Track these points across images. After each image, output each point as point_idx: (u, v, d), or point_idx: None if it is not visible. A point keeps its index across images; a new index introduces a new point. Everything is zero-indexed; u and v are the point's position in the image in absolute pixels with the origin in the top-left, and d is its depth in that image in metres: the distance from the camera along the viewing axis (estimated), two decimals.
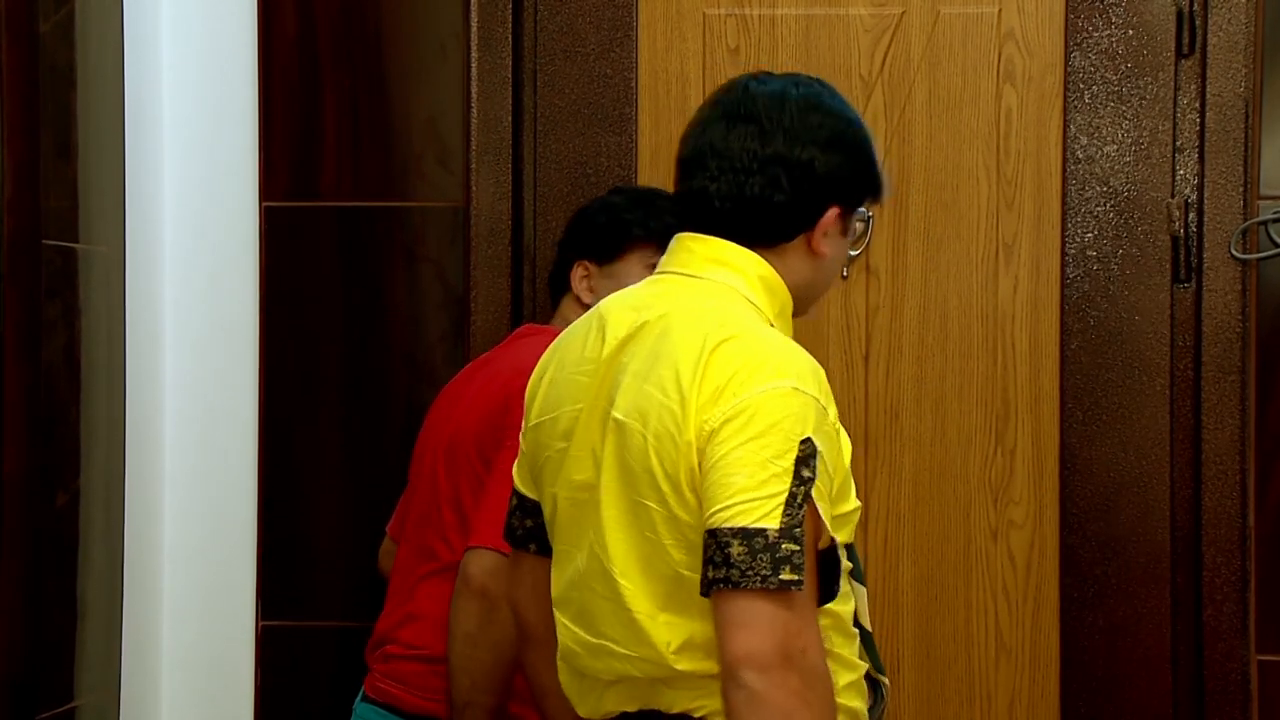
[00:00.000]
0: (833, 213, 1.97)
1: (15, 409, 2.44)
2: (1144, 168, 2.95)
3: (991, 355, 3.01)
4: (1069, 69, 2.96)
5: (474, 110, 2.98)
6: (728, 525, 1.75)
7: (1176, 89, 2.94)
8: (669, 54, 3.05)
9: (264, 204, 2.99)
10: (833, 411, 1.85)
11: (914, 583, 3.01)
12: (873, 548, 3.01)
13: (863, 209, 2.04)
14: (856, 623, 1.94)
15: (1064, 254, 2.98)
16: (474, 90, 2.98)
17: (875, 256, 3.03)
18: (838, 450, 1.85)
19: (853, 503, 1.87)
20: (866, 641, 1.97)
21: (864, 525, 3.01)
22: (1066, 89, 2.96)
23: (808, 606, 1.78)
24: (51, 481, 2.60)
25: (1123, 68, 2.95)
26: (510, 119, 3.00)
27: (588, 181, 3.02)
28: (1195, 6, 2.92)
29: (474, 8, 2.98)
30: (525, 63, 3.04)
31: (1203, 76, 2.91)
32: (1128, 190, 2.96)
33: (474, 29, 2.98)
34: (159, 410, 2.93)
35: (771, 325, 1.92)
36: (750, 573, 1.73)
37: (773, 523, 1.74)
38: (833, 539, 1.83)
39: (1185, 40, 2.93)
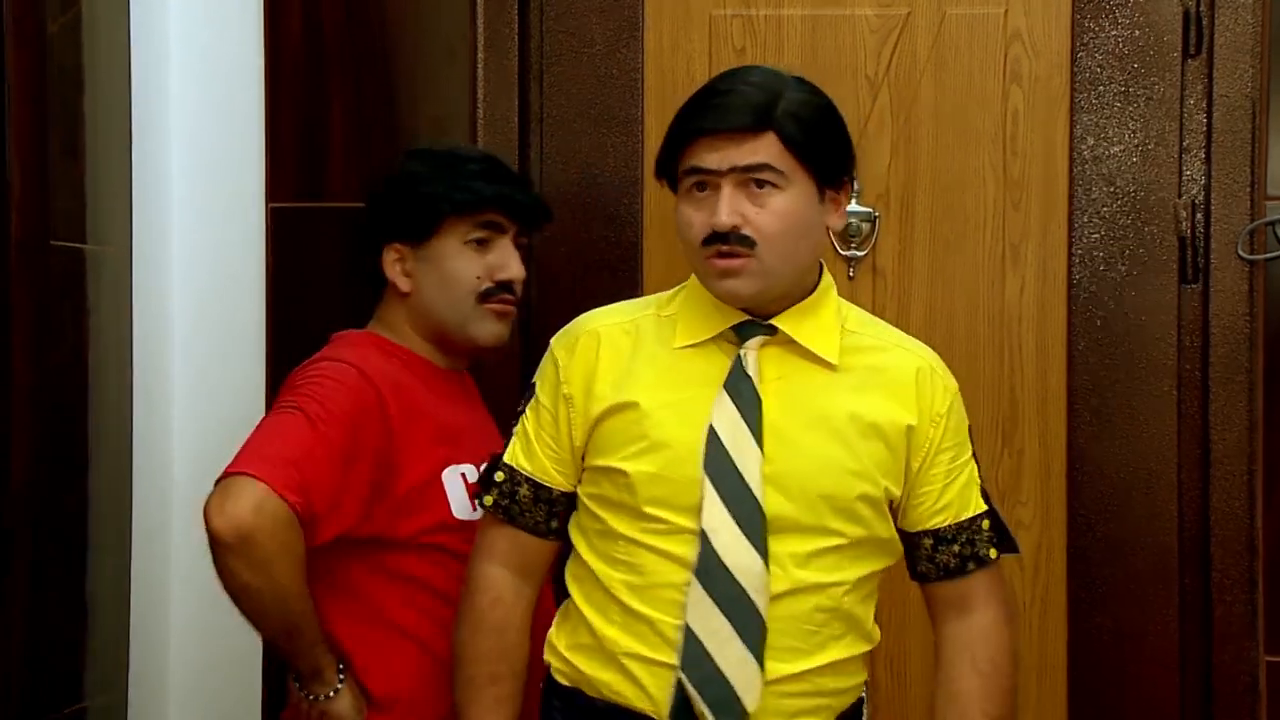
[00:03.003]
0: None
1: (24, 410, 2.44)
2: (1151, 168, 2.95)
3: (999, 356, 3.01)
4: (1076, 69, 2.96)
5: (481, 111, 2.98)
6: None
7: (1183, 89, 2.94)
8: (675, 54, 3.05)
9: (270, 205, 2.99)
10: (570, 375, 2.19)
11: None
12: None
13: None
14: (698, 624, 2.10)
15: (1071, 255, 2.98)
16: (480, 91, 2.98)
17: (882, 257, 3.03)
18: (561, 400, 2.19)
19: (617, 460, 2.14)
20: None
21: None
22: (1073, 89, 2.96)
23: (486, 523, 2.25)
24: (60, 483, 2.60)
25: (1130, 68, 2.95)
26: (517, 119, 3.00)
27: (594, 181, 3.02)
28: (1202, 7, 2.91)
29: (480, 8, 2.97)
30: (532, 63, 3.04)
31: (1210, 77, 2.91)
32: (1135, 191, 2.96)
33: (480, 29, 2.98)
34: (167, 411, 2.93)
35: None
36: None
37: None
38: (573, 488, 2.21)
39: (1192, 40, 2.93)
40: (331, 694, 2.32)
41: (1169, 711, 2.94)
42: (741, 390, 2.12)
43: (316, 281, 2.98)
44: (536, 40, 3.04)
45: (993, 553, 2.21)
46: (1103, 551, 2.96)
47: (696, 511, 2.09)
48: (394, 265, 2.50)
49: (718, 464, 2.09)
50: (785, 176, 2.10)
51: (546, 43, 3.04)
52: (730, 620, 2.08)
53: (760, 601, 2.09)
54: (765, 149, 2.08)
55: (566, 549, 2.28)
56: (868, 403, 2.14)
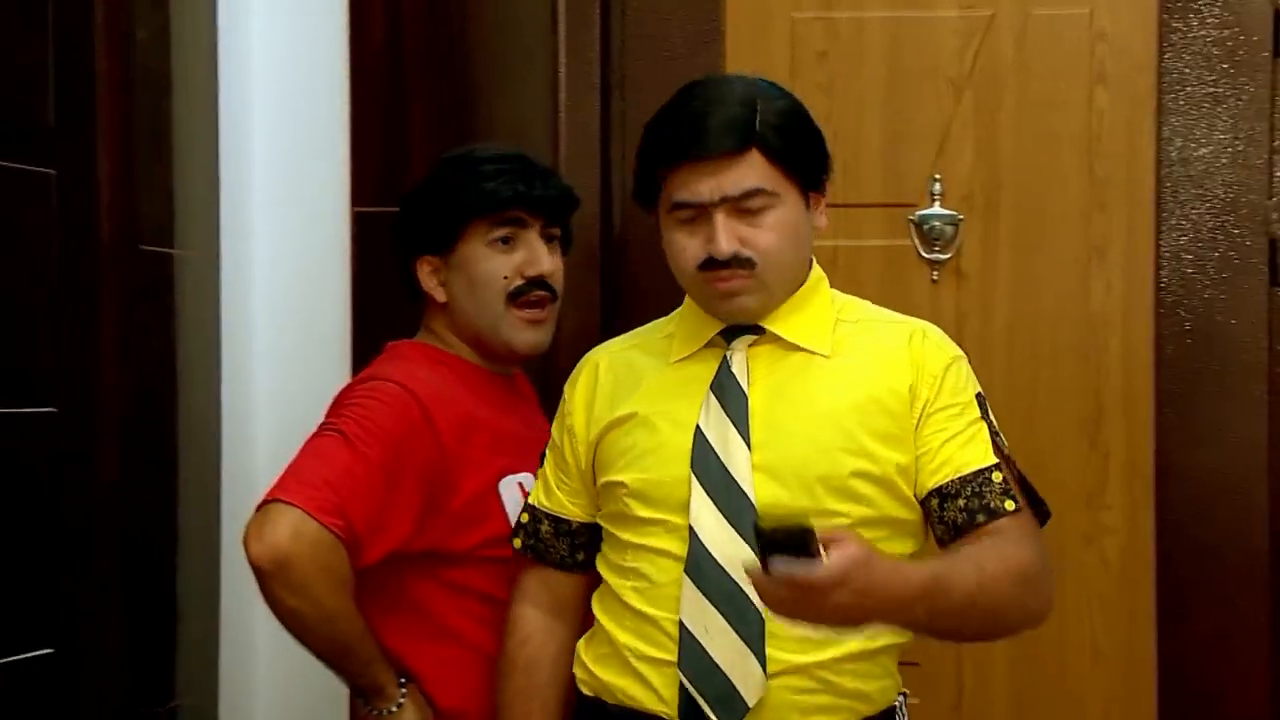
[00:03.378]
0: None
1: (112, 412, 2.47)
2: (1240, 170, 2.91)
3: (1084, 359, 2.98)
4: (1162, 69, 2.93)
5: (562, 116, 2.99)
6: None
7: (1274, 89, 2.90)
8: (756, 58, 3.04)
9: (354, 209, 3.02)
10: (573, 406, 2.24)
11: None
12: None
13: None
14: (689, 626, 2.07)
15: (1158, 257, 2.94)
16: (562, 96, 2.99)
17: (965, 260, 3.01)
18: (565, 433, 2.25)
19: (615, 473, 2.16)
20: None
21: None
22: (1160, 90, 2.93)
23: (517, 566, 2.30)
24: (148, 484, 2.63)
25: (1218, 68, 2.92)
26: (598, 124, 3.01)
27: None
28: None
29: (561, 14, 2.98)
30: (613, 68, 3.04)
31: None
32: (1223, 193, 2.92)
33: (562, 35, 2.99)
34: (252, 413, 2.96)
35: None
36: None
37: None
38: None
39: None
40: (394, 709, 2.33)
41: (1260, 716, 2.89)
42: (726, 387, 2.12)
43: (398, 284, 2.99)
44: (618, 45, 3.04)
45: (1008, 504, 2.07)
46: (1191, 556, 2.92)
47: (687, 509, 2.09)
48: (429, 277, 2.49)
49: (703, 461, 2.09)
50: (775, 194, 2.09)
51: (627, 47, 3.05)
52: (724, 614, 2.05)
53: (755, 592, 2.04)
54: (752, 170, 2.07)
55: (598, 582, 2.26)
56: (862, 378, 2.12)
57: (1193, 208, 2.93)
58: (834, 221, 2.98)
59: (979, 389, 2.16)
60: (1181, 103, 2.92)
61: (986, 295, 3.00)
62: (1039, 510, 2.16)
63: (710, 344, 2.17)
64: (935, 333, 2.19)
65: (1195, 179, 2.92)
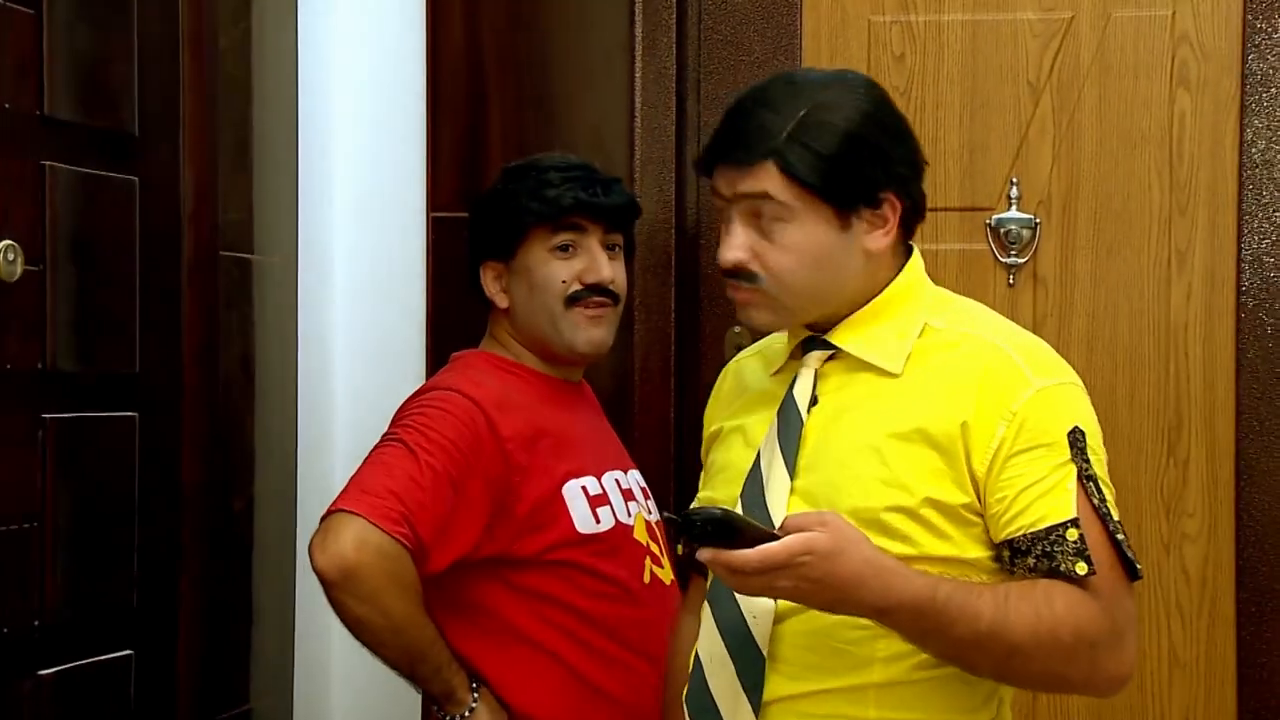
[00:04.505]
0: None
1: (195, 417, 2.49)
2: None
3: (1164, 364, 2.95)
4: (1246, 72, 2.90)
5: (638, 119, 2.99)
6: None
7: None
8: (833, 61, 3.03)
9: (432, 214, 3.03)
10: (708, 416, 2.16)
11: None
12: None
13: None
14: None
15: (1240, 261, 2.91)
16: (638, 100, 2.99)
17: (1043, 265, 2.98)
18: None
19: (702, 490, 2.10)
20: None
21: None
22: (1244, 92, 2.90)
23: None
24: (228, 488, 2.65)
25: None
26: (674, 128, 3.01)
27: None
28: None
29: (639, 18, 2.99)
30: (689, 72, 3.04)
31: None
32: None
33: (639, 39, 2.99)
34: (330, 418, 2.98)
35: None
36: None
37: None
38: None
39: None
40: (468, 713, 2.34)
41: None
42: (786, 409, 1.99)
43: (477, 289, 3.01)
44: (694, 48, 3.04)
45: (1079, 566, 1.86)
46: (1273, 564, 2.88)
47: None
48: (492, 282, 2.50)
49: (751, 486, 1.97)
50: (790, 208, 1.91)
51: (704, 52, 3.04)
52: (728, 645, 1.94)
53: (758, 627, 1.92)
54: (767, 180, 1.91)
55: None
56: (920, 406, 1.91)
57: (1275, 211, 2.89)
58: None
59: (1079, 421, 1.91)
60: (1265, 104, 2.89)
61: (1064, 300, 2.98)
62: (1129, 569, 1.91)
63: (791, 358, 2.05)
64: (1027, 357, 1.93)
65: (1279, 182, 2.89)
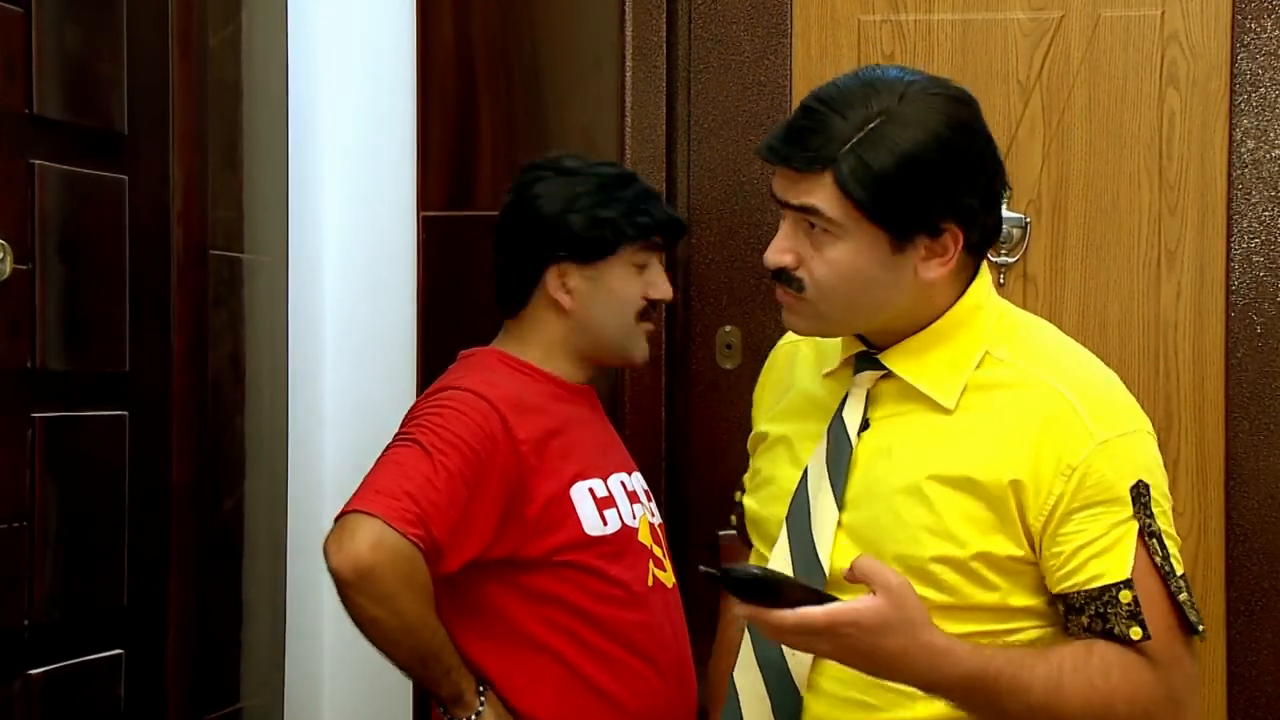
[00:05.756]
0: None
1: (184, 416, 2.49)
2: None
3: (1153, 364, 2.96)
4: (1235, 71, 2.90)
5: (629, 119, 3.00)
6: None
7: None
8: (824, 61, 3.03)
9: (422, 213, 3.03)
10: (756, 396, 2.10)
11: None
12: None
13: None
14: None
15: (1229, 260, 2.91)
16: (629, 100, 3.00)
17: (1033, 264, 2.99)
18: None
19: (745, 493, 2.05)
20: None
21: None
22: (1233, 92, 2.90)
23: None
24: (218, 487, 2.65)
25: None
26: (664, 128, 3.01)
27: (742, 189, 3.02)
28: None
29: (629, 18, 2.99)
30: (679, 72, 3.04)
31: None
32: None
33: (629, 39, 2.99)
34: (320, 417, 2.98)
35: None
36: None
37: None
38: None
39: None
40: (474, 716, 2.34)
41: None
42: (836, 434, 1.91)
43: (466, 288, 3.01)
44: (684, 49, 3.04)
45: (1134, 631, 1.80)
46: (1262, 563, 2.89)
47: None
48: (556, 281, 2.50)
49: (797, 511, 1.90)
50: (840, 225, 1.80)
51: (694, 51, 3.05)
52: (765, 679, 1.88)
53: (797, 666, 1.86)
54: (820, 192, 1.80)
55: None
56: (972, 451, 1.83)
57: (1265, 210, 2.90)
58: None
59: (1143, 474, 1.83)
60: (1254, 104, 2.90)
61: (1054, 299, 2.98)
62: (1188, 628, 1.85)
63: (845, 364, 1.95)
64: (1091, 404, 1.84)
65: (1268, 181, 2.89)
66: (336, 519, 2.28)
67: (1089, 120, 2.97)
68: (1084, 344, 2.94)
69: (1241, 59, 2.90)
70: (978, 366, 1.87)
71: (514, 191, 2.58)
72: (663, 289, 2.55)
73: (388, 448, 2.36)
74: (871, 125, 1.78)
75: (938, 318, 1.88)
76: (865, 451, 1.88)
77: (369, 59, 3.02)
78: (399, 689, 2.95)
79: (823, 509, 1.88)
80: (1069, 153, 2.98)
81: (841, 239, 1.81)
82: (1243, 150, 2.90)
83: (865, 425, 1.90)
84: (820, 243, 1.82)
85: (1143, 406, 2.92)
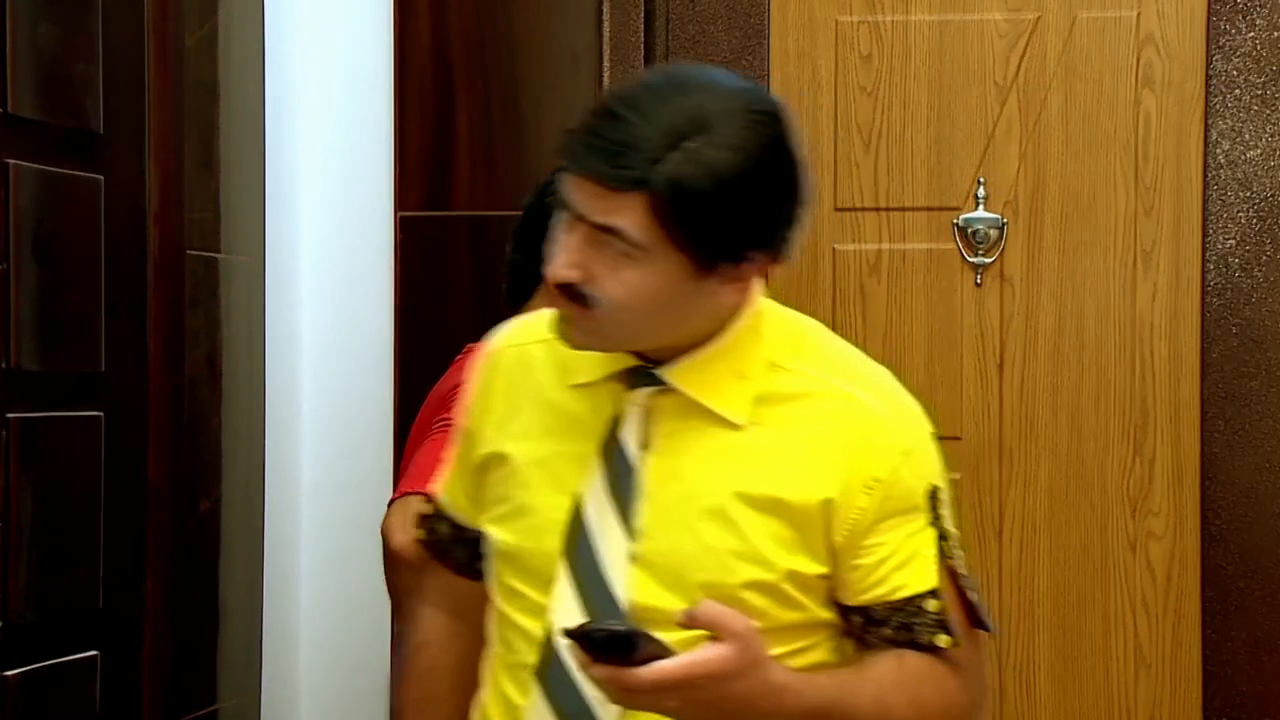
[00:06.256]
0: None
1: (160, 417, 2.49)
2: None
3: (1130, 364, 2.97)
4: (1210, 73, 2.91)
5: None
6: None
7: None
8: (801, 61, 3.04)
9: (399, 214, 3.03)
10: (472, 405, 1.84)
11: (1050, 593, 2.97)
12: (1008, 557, 2.98)
13: None
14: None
15: (1205, 261, 2.93)
16: None
17: (1010, 264, 2.99)
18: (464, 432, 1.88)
19: (487, 520, 1.81)
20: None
21: (999, 534, 2.98)
22: (1208, 93, 2.91)
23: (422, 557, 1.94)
24: (194, 488, 2.65)
25: (1267, 70, 2.90)
26: None
27: None
28: None
29: (606, 17, 2.99)
30: None
31: None
32: (1272, 195, 2.90)
33: (606, 39, 2.99)
34: (297, 417, 2.97)
35: None
36: None
37: None
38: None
39: None
40: None
41: None
42: (614, 456, 1.73)
43: (444, 289, 3.01)
44: (662, 49, 3.04)
45: (940, 639, 1.72)
46: (1237, 562, 2.90)
47: None
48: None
49: (576, 544, 1.72)
50: (644, 250, 1.62)
51: (672, 51, 3.05)
52: None
53: (607, 713, 1.70)
54: (628, 214, 1.61)
55: None
56: (775, 470, 1.70)
57: (1240, 211, 2.91)
58: (878, 225, 3.02)
59: (934, 478, 1.74)
60: (1230, 105, 2.91)
61: (1031, 299, 2.99)
62: (980, 628, 1.80)
63: (612, 378, 1.75)
64: (888, 410, 1.74)
65: (1243, 182, 2.91)
66: (390, 503, 2.26)
67: (1065, 121, 2.97)
68: (1061, 344, 2.99)
69: (1217, 60, 2.91)
70: (765, 377, 1.73)
71: (536, 193, 2.59)
72: None
73: (429, 435, 2.33)
74: (688, 143, 1.61)
75: (719, 330, 1.73)
76: (653, 475, 1.72)
77: (346, 59, 3.02)
78: (375, 690, 2.95)
79: (611, 542, 1.72)
80: (1045, 153, 2.98)
81: (642, 263, 1.64)
82: (1218, 151, 2.92)
83: (651, 448, 1.73)
84: (617, 263, 1.64)
85: (1119, 406, 2.99)
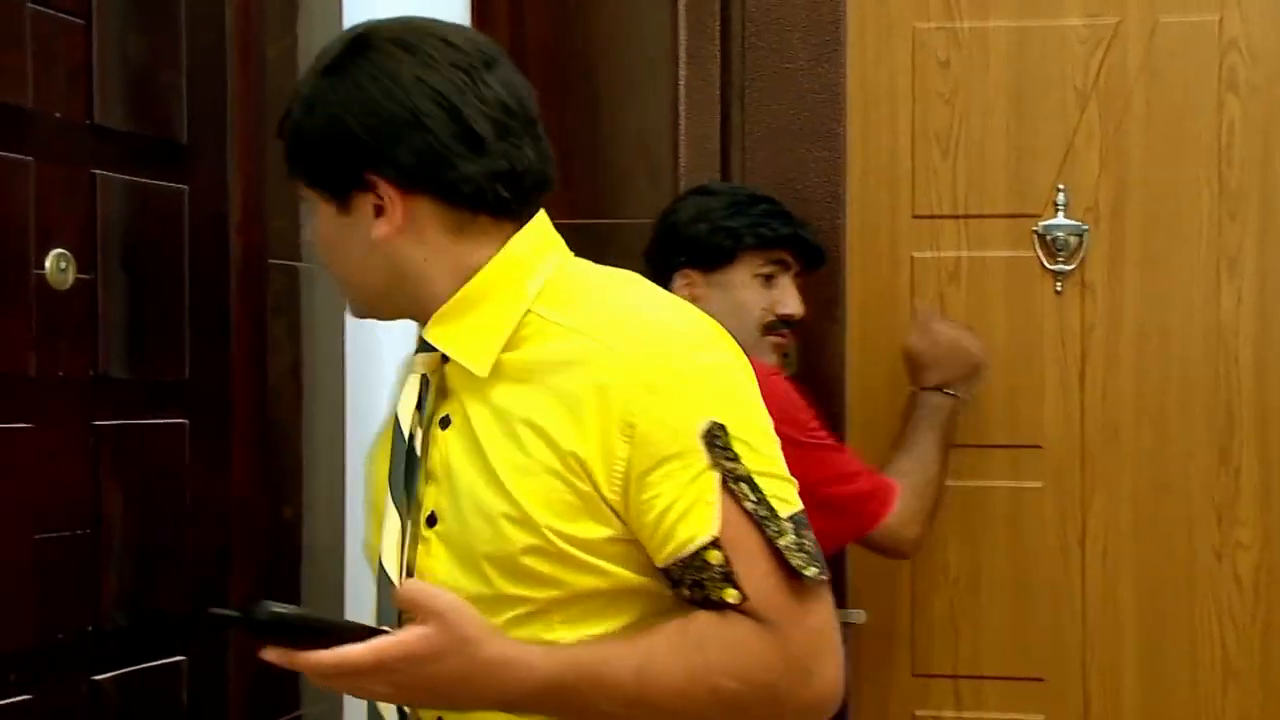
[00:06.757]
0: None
1: (244, 425, 2.50)
2: None
3: (1214, 370, 2.93)
4: None
5: (683, 127, 2.99)
6: None
7: None
8: (878, 68, 3.03)
9: None
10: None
11: (1135, 603, 2.94)
12: (1091, 566, 2.95)
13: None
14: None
15: None
16: (683, 107, 2.99)
17: (1091, 271, 2.97)
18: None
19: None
20: None
21: (1082, 543, 2.95)
22: None
23: None
24: (278, 495, 2.66)
25: None
26: (719, 136, 3.01)
27: (796, 197, 3.00)
28: None
29: (682, 25, 2.99)
30: (734, 79, 3.04)
31: None
32: None
33: (683, 46, 2.99)
34: (378, 425, 2.98)
35: None
36: None
37: None
38: None
39: None
40: None
41: None
42: (396, 437, 1.72)
43: None
44: (738, 56, 3.04)
45: (728, 593, 1.58)
46: None
47: None
48: (683, 289, 2.64)
49: (382, 530, 1.70)
50: (305, 195, 1.75)
51: (748, 59, 3.04)
52: None
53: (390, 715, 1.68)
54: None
55: None
56: (536, 429, 1.62)
57: None
58: (956, 233, 3.00)
59: (714, 413, 1.59)
60: None
61: (1113, 307, 2.96)
62: (817, 569, 1.61)
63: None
64: (637, 350, 1.60)
65: None
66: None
67: (1147, 127, 2.95)
68: (1144, 351, 2.96)
69: None
70: (523, 330, 1.66)
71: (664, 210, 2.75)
72: (790, 305, 2.68)
73: None
74: (300, 97, 1.72)
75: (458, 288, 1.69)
76: (450, 448, 1.68)
77: None
78: None
79: (389, 519, 1.68)
80: (1127, 159, 2.96)
81: (314, 214, 1.73)
82: None
83: (447, 421, 1.69)
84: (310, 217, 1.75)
85: (1204, 413, 2.95)
